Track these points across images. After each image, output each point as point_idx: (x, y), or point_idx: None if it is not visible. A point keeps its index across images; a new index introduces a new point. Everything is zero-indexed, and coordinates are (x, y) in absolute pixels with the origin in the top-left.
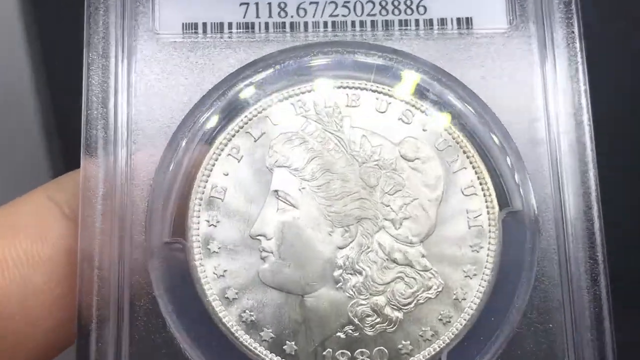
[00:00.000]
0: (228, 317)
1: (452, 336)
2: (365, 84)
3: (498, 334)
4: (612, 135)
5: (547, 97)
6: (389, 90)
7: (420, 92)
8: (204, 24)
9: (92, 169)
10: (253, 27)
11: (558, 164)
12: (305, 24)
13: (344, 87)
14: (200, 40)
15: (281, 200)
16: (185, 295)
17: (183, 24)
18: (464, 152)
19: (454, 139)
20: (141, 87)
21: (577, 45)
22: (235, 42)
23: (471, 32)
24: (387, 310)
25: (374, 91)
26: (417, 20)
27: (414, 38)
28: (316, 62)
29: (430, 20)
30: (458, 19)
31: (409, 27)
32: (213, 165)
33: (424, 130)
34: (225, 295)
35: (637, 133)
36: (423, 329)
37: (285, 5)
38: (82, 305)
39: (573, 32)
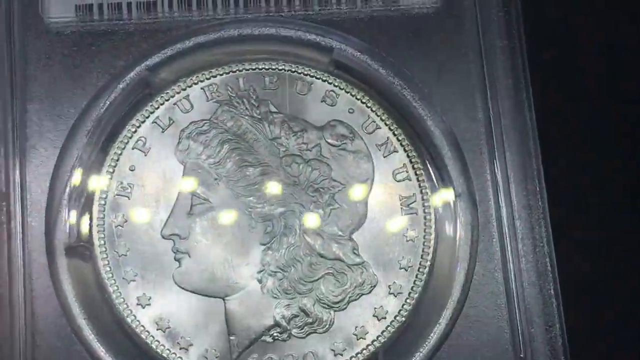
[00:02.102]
0: (142, 326)
1: (389, 334)
2: (284, 65)
3: (436, 329)
4: (558, 127)
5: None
6: (309, 70)
7: (346, 70)
8: (100, 5)
9: None
10: (155, 6)
11: (497, 147)
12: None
13: (261, 69)
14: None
15: (195, 196)
16: (95, 303)
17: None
18: (394, 134)
19: (382, 120)
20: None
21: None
22: (135, 25)
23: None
24: (317, 310)
25: (293, 72)
26: None
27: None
28: (229, 43)
29: None
30: None
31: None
32: (117, 160)
33: (350, 112)
34: (138, 302)
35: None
36: (357, 327)
37: None
38: None
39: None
